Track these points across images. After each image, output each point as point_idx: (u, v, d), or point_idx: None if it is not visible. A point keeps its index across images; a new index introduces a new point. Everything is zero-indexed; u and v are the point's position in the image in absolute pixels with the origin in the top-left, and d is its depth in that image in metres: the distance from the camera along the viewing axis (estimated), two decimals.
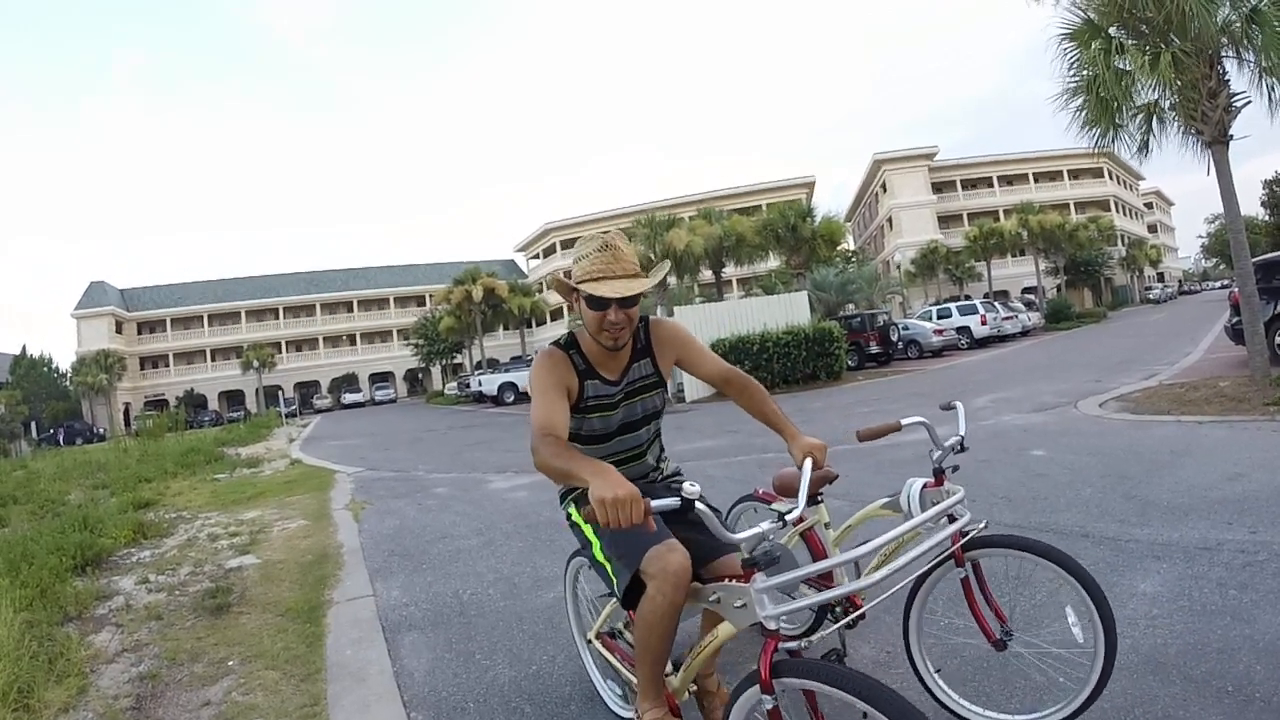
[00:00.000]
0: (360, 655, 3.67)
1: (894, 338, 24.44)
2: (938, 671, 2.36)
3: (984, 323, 27.63)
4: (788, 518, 1.69)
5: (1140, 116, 9.87)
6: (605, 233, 2.13)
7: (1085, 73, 9.66)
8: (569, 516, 2.37)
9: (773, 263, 34.39)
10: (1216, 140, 9.06)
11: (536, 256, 70.21)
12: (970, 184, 61.07)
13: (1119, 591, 3.31)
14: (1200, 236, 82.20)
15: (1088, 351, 19.02)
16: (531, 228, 69.13)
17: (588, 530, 2.21)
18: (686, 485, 1.54)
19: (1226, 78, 9.07)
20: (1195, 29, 8.56)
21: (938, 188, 58.58)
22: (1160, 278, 72.35)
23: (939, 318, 27.60)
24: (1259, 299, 9.49)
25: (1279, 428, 6.70)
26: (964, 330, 27.23)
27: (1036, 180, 60.54)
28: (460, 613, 4.25)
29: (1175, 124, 9.61)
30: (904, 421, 2.44)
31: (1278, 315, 10.92)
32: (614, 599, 2.17)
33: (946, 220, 57.36)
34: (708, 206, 34.69)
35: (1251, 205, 40.23)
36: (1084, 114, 9.84)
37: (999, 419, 9.06)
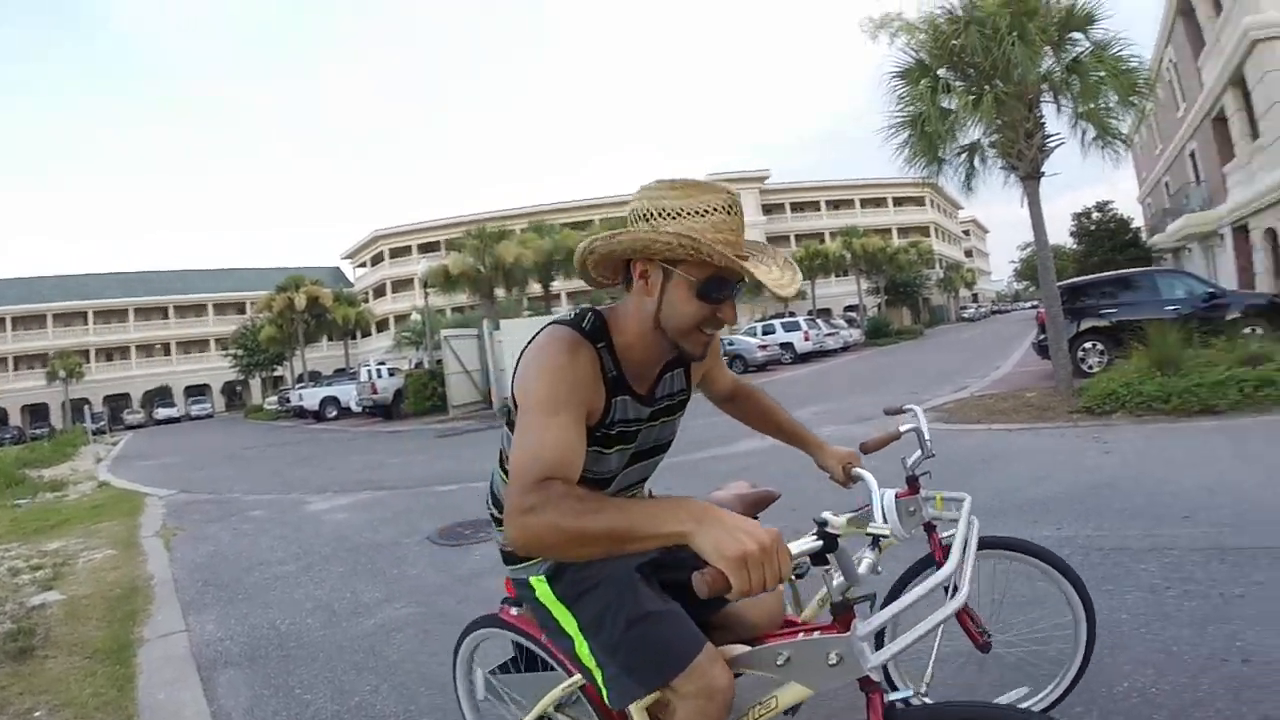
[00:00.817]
0: (174, 697, 3.42)
1: (719, 353, 25.46)
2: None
3: (807, 339, 29.12)
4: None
5: (964, 153, 10.79)
6: (725, 188, 1.34)
7: (913, 109, 10.35)
8: (530, 591, 1.62)
9: None
10: (1030, 176, 10.08)
11: (364, 264, 67.56)
12: (799, 207, 64.83)
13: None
14: (1013, 261, 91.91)
15: (905, 366, 20.56)
16: (359, 234, 66.66)
17: (567, 621, 1.55)
18: (829, 515, 1.23)
19: (1043, 120, 10.11)
20: (1019, 75, 9.51)
21: (768, 210, 61.73)
22: (975, 298, 79.74)
23: (764, 333, 28.90)
24: (1063, 318, 10.59)
25: (1081, 433, 7.52)
26: (788, 346, 28.55)
27: (863, 205, 65.22)
28: (279, 645, 4.03)
29: (994, 160, 10.57)
30: (901, 428, 2.27)
31: (1080, 333, 12.34)
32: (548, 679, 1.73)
33: (775, 241, 60.22)
34: (539, 220, 34.66)
35: (1062, 235, 45.68)
36: (910, 148, 10.56)
37: (821, 430, 9.49)
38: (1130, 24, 18.82)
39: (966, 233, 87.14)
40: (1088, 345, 12.38)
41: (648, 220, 1.30)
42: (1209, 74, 21.56)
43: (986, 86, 9.86)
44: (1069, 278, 16.80)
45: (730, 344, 26.73)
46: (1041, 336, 12.24)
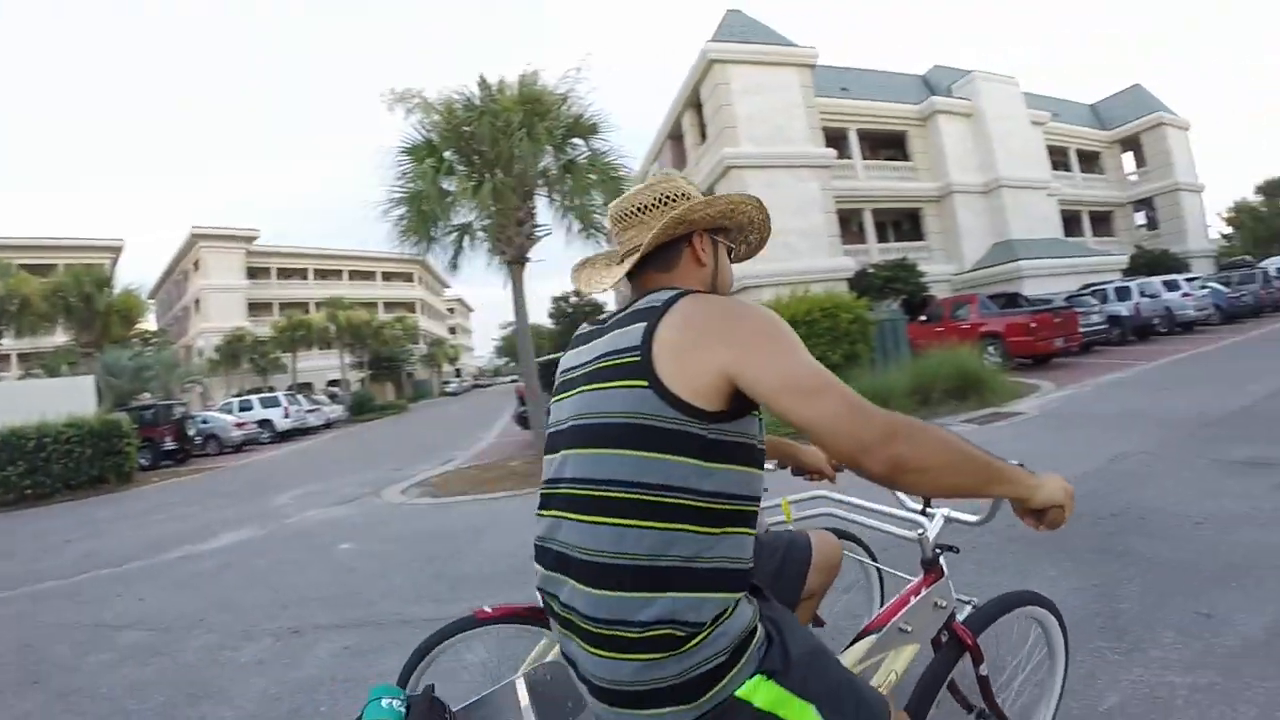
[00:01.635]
0: None
1: (191, 432, 22.72)
2: None
3: (287, 415, 27.82)
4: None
5: (456, 234, 11.28)
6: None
7: (414, 186, 10.61)
8: (743, 704, 1.18)
9: (61, 337, 28.56)
10: (516, 260, 11.00)
11: None
12: (286, 273, 60.94)
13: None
14: (495, 339, 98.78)
15: (391, 441, 20.55)
16: None
17: (797, 711, 1.19)
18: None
19: (534, 210, 11.15)
20: (520, 168, 10.40)
21: (253, 273, 56.91)
22: (458, 373, 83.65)
23: (241, 410, 26.99)
24: (541, 391, 11.56)
25: None
26: (266, 423, 26.81)
27: (351, 277, 64.16)
28: None
29: (483, 242, 11.26)
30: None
31: None
32: None
33: (258, 308, 55.75)
34: None
35: (542, 315, 50.55)
36: (405, 223, 10.74)
37: (304, 515, 8.90)
38: (629, 140, 22.53)
39: (452, 310, 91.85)
40: None
41: (686, 199, 1.44)
42: None
43: (488, 174, 10.56)
44: (547, 354, 18.74)
45: (204, 421, 23.95)
46: (522, 408, 13.21)
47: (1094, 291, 21.51)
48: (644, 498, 1.17)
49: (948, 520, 1.88)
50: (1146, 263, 30.23)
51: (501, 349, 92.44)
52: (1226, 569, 3.64)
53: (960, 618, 1.80)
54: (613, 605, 1.17)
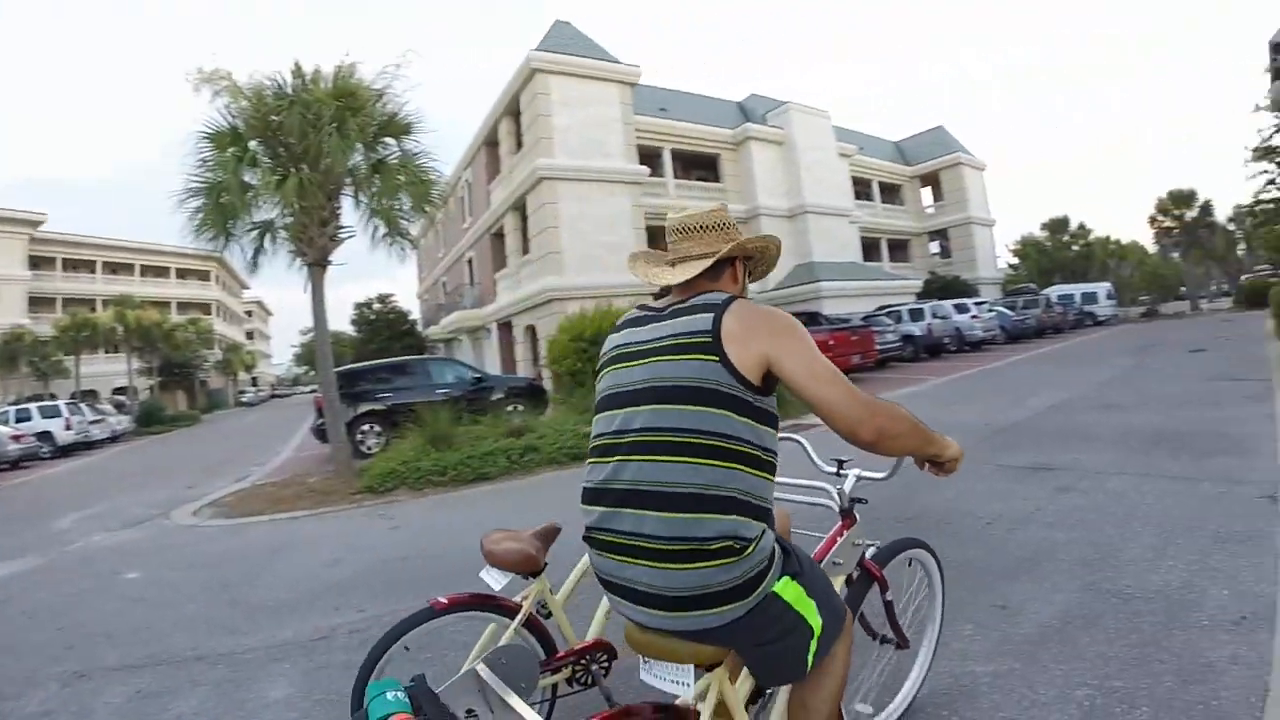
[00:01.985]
0: None
1: None
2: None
3: (69, 427, 24.96)
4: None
5: (257, 231, 10.46)
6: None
7: (214, 176, 9.77)
8: (775, 601, 1.61)
9: None
10: (318, 263, 10.25)
11: None
12: (73, 265, 53.60)
13: (251, 706, 3.21)
14: (294, 346, 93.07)
15: (183, 456, 18.78)
16: None
17: (810, 611, 1.65)
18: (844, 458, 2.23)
19: (339, 210, 10.49)
20: (327, 165, 9.75)
21: (36, 263, 49.21)
22: (254, 382, 77.95)
23: (18, 420, 23.94)
24: (341, 403, 10.99)
25: (366, 513, 7.81)
26: (46, 436, 23.89)
27: (143, 273, 57.79)
28: None
29: (284, 242, 10.50)
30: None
31: (359, 416, 12.97)
32: None
33: (40, 303, 48.59)
34: None
35: (344, 322, 47.68)
36: (202, 216, 9.86)
37: (88, 541, 8.01)
38: (446, 144, 21.78)
39: (250, 313, 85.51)
40: (366, 427, 13.05)
41: (734, 228, 1.93)
42: (498, 197, 26.42)
43: (294, 169, 9.85)
44: (348, 363, 17.84)
45: None
46: (320, 421, 12.41)
47: (890, 312, 23.21)
48: (710, 443, 1.54)
49: (859, 478, 2.28)
50: (939, 287, 33.25)
51: (301, 357, 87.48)
52: (1017, 564, 3.97)
53: (869, 555, 2.25)
54: (684, 525, 1.52)
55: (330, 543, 6.56)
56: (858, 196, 36.17)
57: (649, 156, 26.72)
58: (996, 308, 26.51)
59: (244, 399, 64.65)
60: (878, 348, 18.34)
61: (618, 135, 24.09)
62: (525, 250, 24.53)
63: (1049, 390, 11.20)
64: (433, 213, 11.18)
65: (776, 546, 1.64)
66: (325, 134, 9.42)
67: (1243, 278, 43.65)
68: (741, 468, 1.55)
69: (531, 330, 23.67)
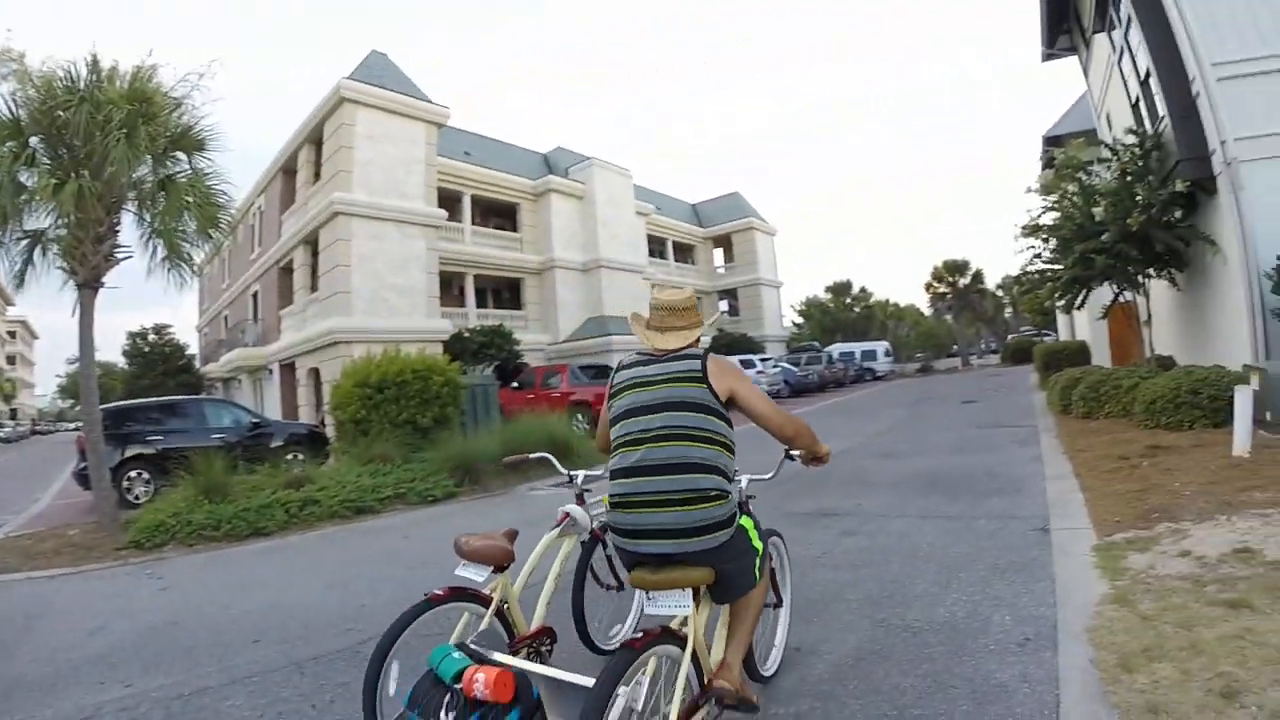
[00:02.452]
0: None
1: None
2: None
3: None
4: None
5: (26, 241, 9.13)
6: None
7: None
8: (741, 531, 2.57)
9: None
10: (89, 284, 9.02)
11: None
12: None
13: None
14: (59, 376, 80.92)
15: None
16: None
17: (755, 537, 2.68)
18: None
19: (118, 227, 9.29)
20: (111, 173, 8.63)
21: None
22: (14, 414, 67.43)
23: None
24: (107, 444, 9.68)
25: (133, 571, 6.89)
26: None
27: None
28: None
29: (57, 257, 9.23)
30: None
31: (125, 460, 11.45)
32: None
33: None
34: None
35: (116, 353, 42.10)
36: None
37: None
38: (241, 166, 19.82)
39: (14, 334, 74.12)
40: (133, 474, 11.63)
41: (694, 309, 2.86)
42: (290, 228, 24.44)
43: (75, 174, 8.67)
44: (118, 399, 15.80)
45: None
46: (83, 464, 10.91)
47: None
48: (703, 434, 2.45)
49: (750, 480, 2.97)
50: (727, 343, 35.01)
51: (67, 389, 76.64)
52: (809, 606, 4.15)
53: None
54: (691, 482, 2.38)
55: (93, 606, 5.70)
56: (652, 254, 37.49)
57: (449, 200, 26.15)
58: (782, 364, 28.36)
59: (0, 434, 55.43)
60: None
61: (420, 175, 23.44)
62: (314, 287, 23.08)
63: (832, 440, 11.86)
64: (219, 239, 10.20)
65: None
66: (113, 139, 8.37)
67: (1009, 337, 49.80)
68: (720, 450, 2.49)
69: (315, 373, 22.25)
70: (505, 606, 2.87)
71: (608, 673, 2.03)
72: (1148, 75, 10.51)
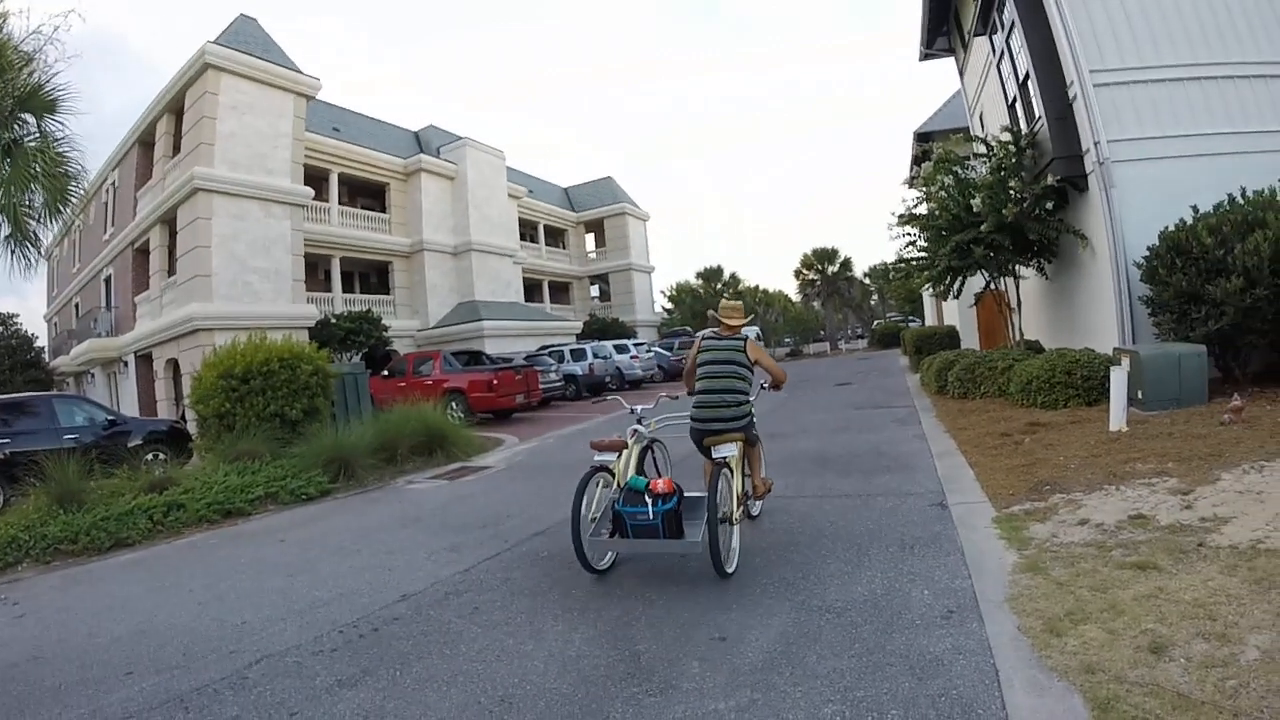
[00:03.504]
0: None
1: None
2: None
3: None
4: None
5: None
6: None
7: None
8: (752, 417, 5.10)
9: None
10: None
11: None
12: None
13: None
14: None
15: None
16: None
17: (753, 418, 5.12)
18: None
19: None
20: None
21: None
22: None
23: None
24: None
25: None
26: None
27: None
28: None
29: None
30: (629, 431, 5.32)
31: None
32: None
33: None
34: None
35: None
36: None
37: None
38: (93, 132, 17.65)
39: None
40: None
41: (743, 308, 5.54)
42: (145, 206, 22.37)
43: None
44: None
45: None
46: None
47: (552, 352, 23.96)
48: (741, 377, 4.98)
49: (751, 400, 5.16)
50: (599, 329, 35.06)
51: None
52: (721, 593, 4.12)
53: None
54: (734, 399, 4.90)
55: None
56: (524, 238, 36.96)
57: (315, 178, 24.73)
58: (655, 348, 28.58)
59: None
60: (541, 387, 18.67)
61: (286, 151, 22.09)
62: (172, 271, 21.41)
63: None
64: (71, 216, 9.15)
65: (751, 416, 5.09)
66: None
67: (875, 323, 52.06)
68: (747, 384, 5.01)
69: (174, 364, 20.68)
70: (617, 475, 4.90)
71: (711, 485, 4.42)
72: (1027, 77, 11.16)
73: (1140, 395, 7.67)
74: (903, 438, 9.05)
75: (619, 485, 4.68)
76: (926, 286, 14.54)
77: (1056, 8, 9.84)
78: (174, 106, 21.67)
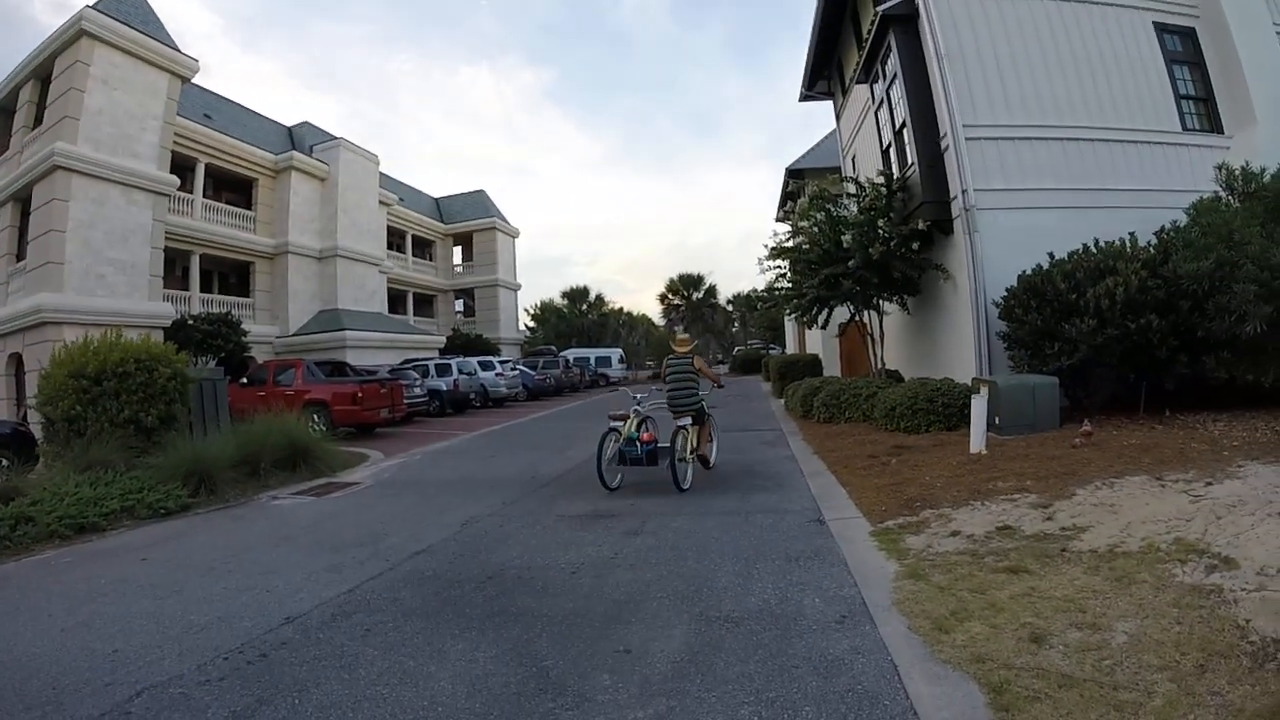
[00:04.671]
0: None
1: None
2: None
3: None
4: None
5: None
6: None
7: None
8: (703, 405, 8.47)
9: None
10: None
11: None
12: None
13: None
14: None
15: None
16: None
17: (705, 407, 8.53)
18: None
19: None
20: None
21: None
22: None
23: None
24: None
25: None
26: None
27: None
28: None
29: None
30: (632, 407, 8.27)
31: None
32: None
33: None
34: None
35: None
36: None
37: None
38: None
39: None
40: None
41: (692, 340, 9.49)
42: None
43: None
44: None
45: None
46: None
47: (416, 366, 23.30)
48: (693, 381, 8.38)
49: (704, 395, 8.66)
50: (462, 344, 34.46)
51: None
52: (620, 608, 4.17)
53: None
54: (690, 393, 8.32)
55: None
56: (391, 247, 35.92)
57: (181, 167, 23.07)
58: (520, 366, 28.40)
59: None
60: (406, 402, 18.18)
61: (155, 134, 20.57)
62: (20, 255, 19.55)
63: (583, 442, 12.06)
64: None
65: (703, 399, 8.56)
66: None
67: (736, 349, 53.67)
68: (697, 385, 8.40)
69: (17, 360, 18.81)
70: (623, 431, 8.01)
71: (672, 439, 7.81)
72: (903, 125, 12.10)
73: (998, 421, 8.41)
74: (774, 458, 9.49)
75: (624, 438, 8.01)
76: (792, 315, 15.31)
77: (937, 65, 10.79)
78: (42, 73, 19.78)
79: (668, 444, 7.78)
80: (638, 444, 7.81)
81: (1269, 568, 3.50)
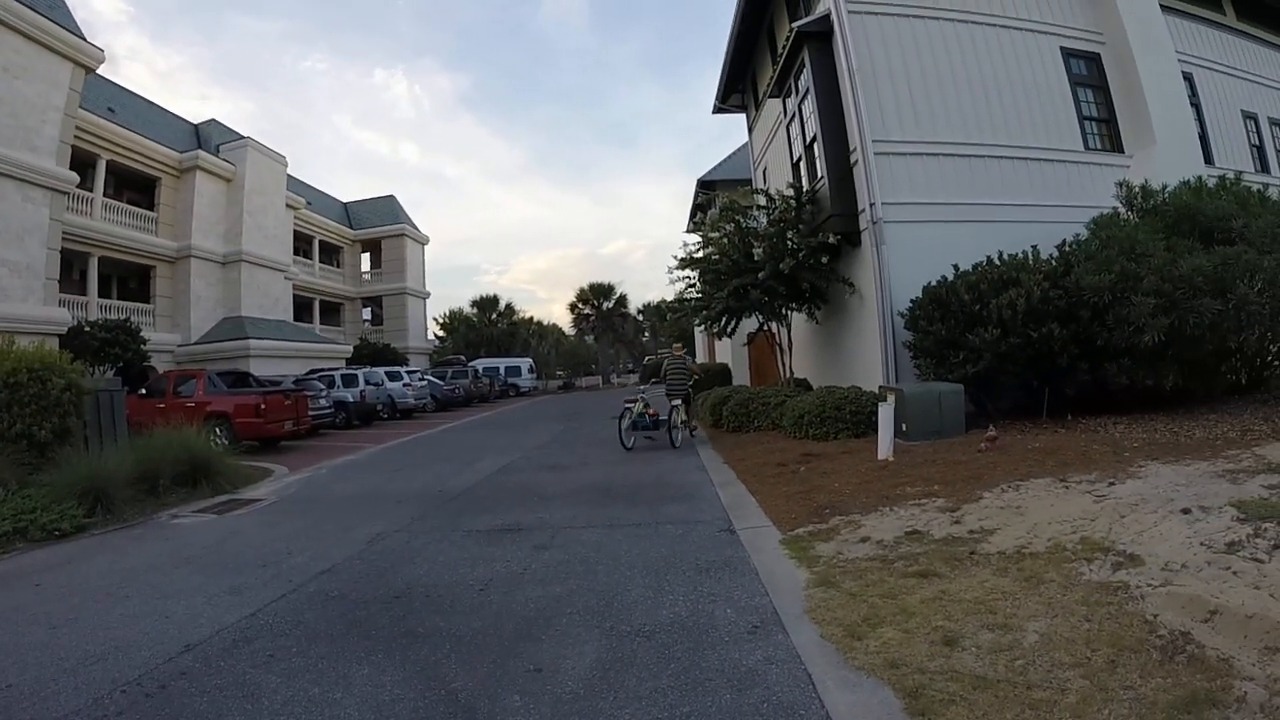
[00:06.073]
0: None
1: None
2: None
3: None
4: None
5: None
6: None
7: None
8: (690, 391, 12.93)
9: None
10: None
11: None
12: None
13: None
14: None
15: None
16: None
17: (690, 393, 12.90)
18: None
19: None
20: None
21: None
22: None
23: None
24: None
25: None
26: None
27: None
28: None
29: None
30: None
31: None
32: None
33: None
34: None
35: None
36: None
37: None
38: None
39: None
40: None
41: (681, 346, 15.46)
42: None
43: None
44: None
45: None
46: None
47: (322, 376, 22.62)
48: (685, 375, 12.80)
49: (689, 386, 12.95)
50: (370, 354, 33.49)
51: None
52: (529, 625, 4.02)
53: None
54: (680, 382, 12.66)
55: None
56: (298, 253, 34.63)
57: (81, 163, 21.48)
58: (428, 377, 27.77)
59: None
60: (311, 414, 17.45)
61: (55, 127, 19.11)
62: None
63: (492, 455, 12.02)
64: None
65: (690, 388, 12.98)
66: None
67: (647, 359, 53.78)
68: (688, 379, 12.79)
69: None
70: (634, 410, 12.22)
71: (670, 412, 12.18)
72: (814, 140, 12.31)
73: (905, 428, 8.56)
74: (684, 468, 9.44)
75: (636, 414, 11.93)
76: (701, 325, 15.51)
77: (850, 81, 10.99)
78: None
79: (665, 417, 12.05)
80: (645, 416, 12.00)
81: (1173, 563, 3.59)
